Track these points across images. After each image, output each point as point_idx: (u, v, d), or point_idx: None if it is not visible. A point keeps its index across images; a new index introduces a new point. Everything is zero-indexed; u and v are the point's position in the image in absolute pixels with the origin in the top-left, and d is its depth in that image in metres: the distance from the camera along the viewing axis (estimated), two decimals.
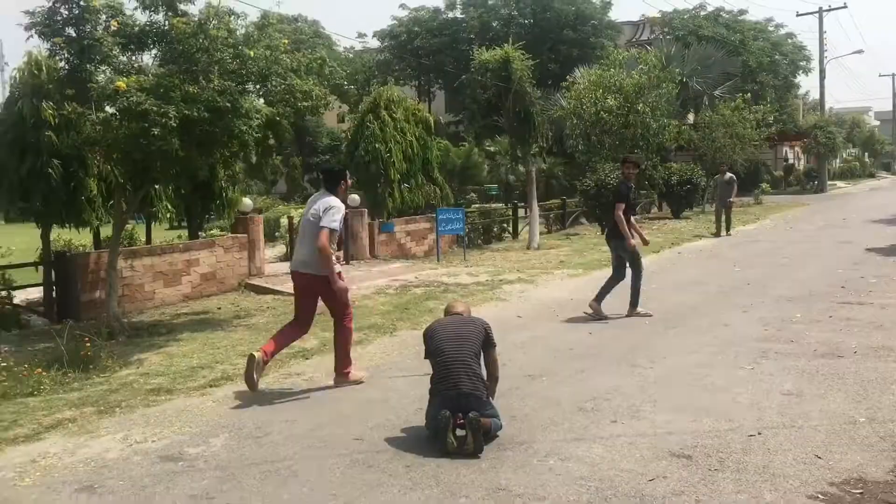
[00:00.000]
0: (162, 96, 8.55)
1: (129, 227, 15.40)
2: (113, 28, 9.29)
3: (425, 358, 5.91)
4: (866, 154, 78.96)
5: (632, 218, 10.14)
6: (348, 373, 7.30)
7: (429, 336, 5.87)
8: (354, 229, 16.61)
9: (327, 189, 7.27)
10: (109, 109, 9.17)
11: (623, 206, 9.98)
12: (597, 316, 9.99)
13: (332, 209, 6.94)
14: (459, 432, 5.37)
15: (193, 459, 5.48)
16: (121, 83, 8.59)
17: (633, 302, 10.16)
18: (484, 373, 5.74)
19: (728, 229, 21.18)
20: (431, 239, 18.30)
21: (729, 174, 21.71)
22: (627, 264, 10.16)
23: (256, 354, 6.98)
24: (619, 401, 6.45)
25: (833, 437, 5.45)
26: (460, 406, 5.44)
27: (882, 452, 5.15)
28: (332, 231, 6.87)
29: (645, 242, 10.50)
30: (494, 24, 40.35)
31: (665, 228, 23.50)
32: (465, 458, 5.23)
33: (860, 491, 4.59)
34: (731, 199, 21.30)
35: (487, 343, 5.84)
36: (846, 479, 4.77)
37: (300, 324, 7.36)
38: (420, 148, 18.31)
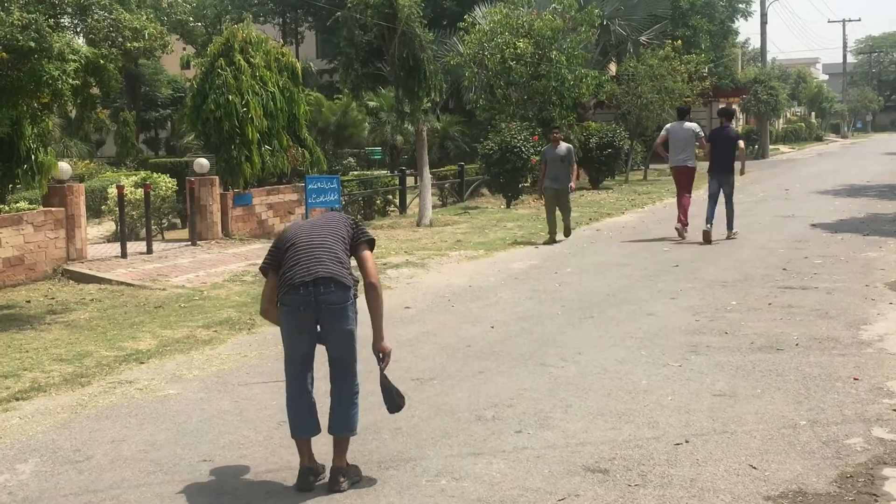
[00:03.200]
0: None
1: None
2: None
3: (263, 268, 5.45)
4: (813, 113, 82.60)
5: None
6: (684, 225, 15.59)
7: (281, 233, 5.57)
8: (203, 202, 16.32)
9: (681, 119, 16.04)
10: None
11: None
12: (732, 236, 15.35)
13: (697, 127, 15.94)
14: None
15: None
16: None
17: (731, 223, 15.40)
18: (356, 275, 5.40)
19: (567, 229, 16.22)
20: (299, 213, 18.13)
21: (565, 145, 16.31)
22: (725, 194, 15.30)
23: (697, 228, 15.30)
24: (525, 407, 6.58)
25: (770, 443, 5.71)
26: (318, 301, 5.18)
27: (825, 460, 5.43)
28: (702, 136, 15.80)
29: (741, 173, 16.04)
30: None
31: (582, 200, 24.00)
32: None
33: None
34: (572, 185, 16.20)
35: (358, 237, 5.47)
36: (784, 491, 5.01)
37: (683, 193, 15.69)
38: (285, 102, 18.07)
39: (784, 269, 12.12)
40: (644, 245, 15.07)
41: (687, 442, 5.75)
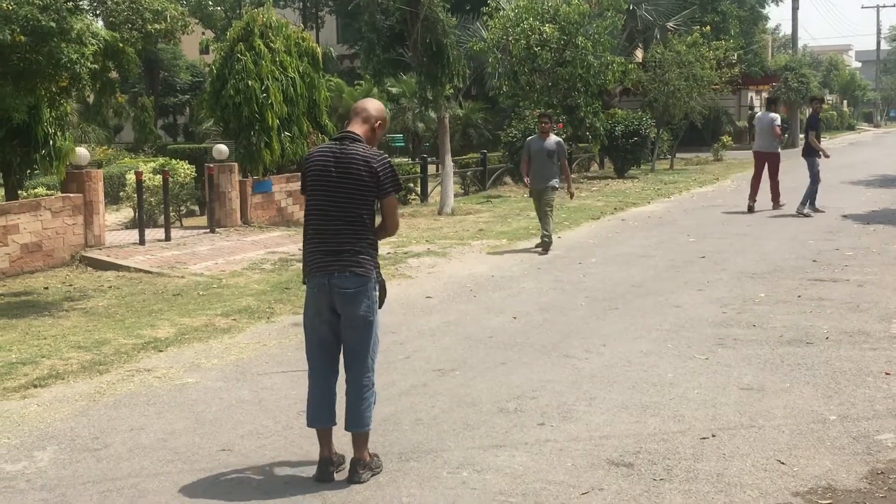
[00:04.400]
0: None
1: None
2: None
3: (302, 193, 5.51)
4: (845, 102, 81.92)
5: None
6: (779, 200, 18.21)
7: (305, 169, 5.44)
8: (221, 188, 16.37)
9: (768, 108, 18.75)
10: None
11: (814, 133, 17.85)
12: (804, 213, 17.18)
13: (778, 117, 18.43)
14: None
15: (12, 478, 5.35)
16: None
17: (805, 201, 17.35)
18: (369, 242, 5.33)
19: (545, 242, 13.65)
20: None
21: (555, 137, 14.16)
22: (810, 175, 17.40)
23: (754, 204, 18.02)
24: (548, 399, 6.58)
25: (799, 438, 5.69)
26: (330, 285, 5.19)
27: (855, 456, 5.40)
28: (779, 126, 18.38)
29: (826, 156, 18.04)
30: None
31: (607, 190, 23.96)
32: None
33: (829, 501, 4.81)
34: (557, 183, 13.87)
35: (384, 188, 5.27)
36: (813, 487, 4.98)
37: (758, 176, 18.23)
38: (305, 87, 18.10)
39: (814, 261, 12.05)
40: (669, 235, 15.00)
41: (713, 436, 5.74)
